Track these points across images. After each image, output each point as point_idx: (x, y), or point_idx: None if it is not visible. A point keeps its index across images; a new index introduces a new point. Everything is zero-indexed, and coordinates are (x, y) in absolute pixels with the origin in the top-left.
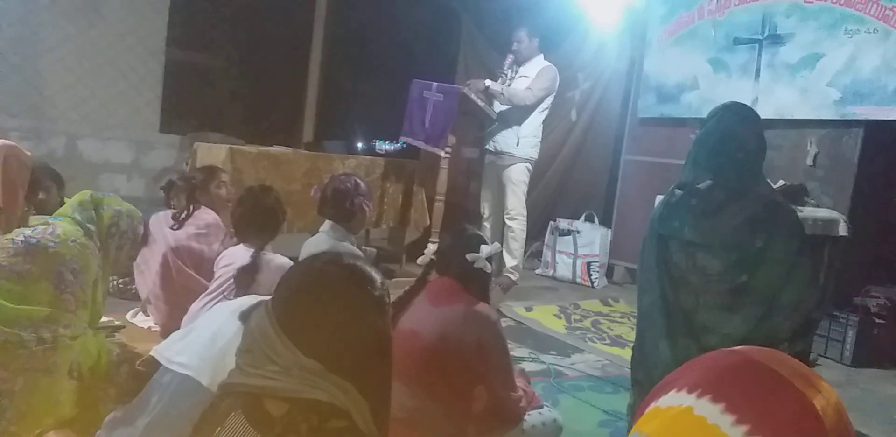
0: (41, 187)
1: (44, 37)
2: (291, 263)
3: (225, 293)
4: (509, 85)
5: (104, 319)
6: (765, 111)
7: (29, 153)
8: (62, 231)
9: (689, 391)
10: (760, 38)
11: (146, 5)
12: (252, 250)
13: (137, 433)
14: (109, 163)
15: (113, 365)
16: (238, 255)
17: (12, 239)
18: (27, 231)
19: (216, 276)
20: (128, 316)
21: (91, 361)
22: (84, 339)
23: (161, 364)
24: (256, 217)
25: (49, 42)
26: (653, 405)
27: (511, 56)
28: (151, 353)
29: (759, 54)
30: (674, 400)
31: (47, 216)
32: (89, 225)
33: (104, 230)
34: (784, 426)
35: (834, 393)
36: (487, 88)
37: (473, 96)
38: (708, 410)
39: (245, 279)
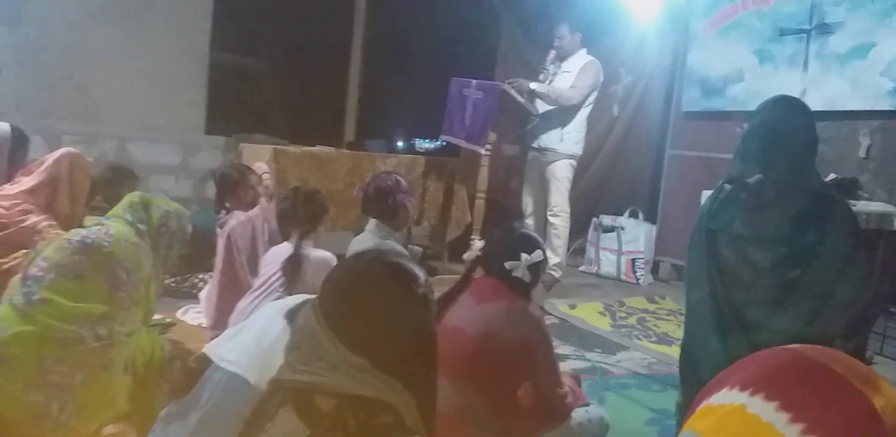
0: (125, 186)
1: (94, 43)
2: (332, 256)
3: (270, 289)
4: (551, 81)
5: (156, 316)
6: (814, 103)
7: (90, 159)
8: (115, 231)
9: (742, 389)
10: (808, 27)
11: (190, 10)
12: (293, 245)
13: (190, 428)
14: (158, 164)
15: (166, 361)
16: (281, 252)
17: (69, 239)
18: (83, 231)
19: (261, 274)
20: (178, 314)
21: (145, 357)
22: (138, 336)
23: (212, 361)
24: (297, 213)
25: (98, 48)
26: (704, 403)
27: (553, 52)
28: (204, 350)
29: (807, 45)
30: (726, 398)
31: (101, 217)
32: (140, 225)
33: (154, 230)
34: (841, 425)
35: (894, 392)
36: (533, 90)
37: (513, 93)
38: (762, 408)
39: (290, 271)
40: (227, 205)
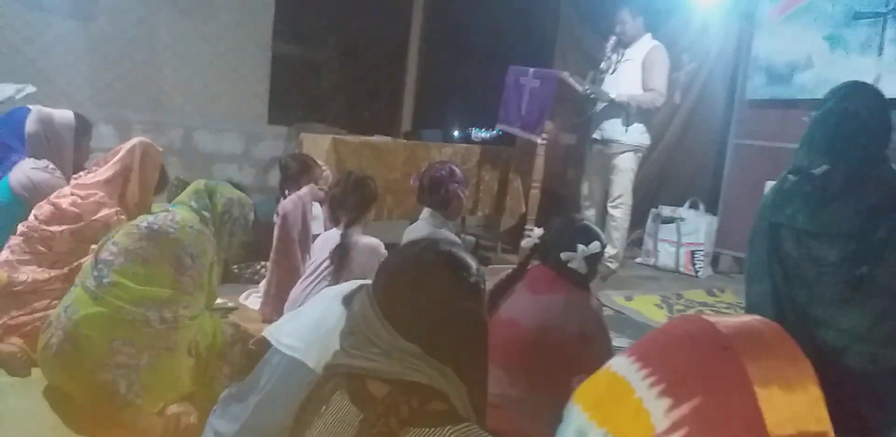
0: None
1: (161, 35)
2: (379, 243)
3: (321, 277)
4: (615, 70)
5: (219, 301)
6: (890, 90)
7: (160, 149)
8: (181, 218)
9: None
10: (885, 11)
11: (253, 2)
12: (340, 232)
13: (249, 409)
14: (222, 153)
15: (227, 345)
16: (330, 238)
17: (137, 225)
18: (150, 218)
19: (311, 260)
20: (240, 298)
21: (207, 340)
22: (201, 319)
23: (272, 345)
24: (347, 199)
25: (166, 40)
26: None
27: (613, 38)
28: (263, 333)
29: (884, 29)
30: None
31: (168, 204)
32: (204, 212)
33: (218, 217)
34: (687, 367)
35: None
36: (613, 99)
37: (571, 81)
38: (620, 365)
39: (338, 259)
40: (287, 192)
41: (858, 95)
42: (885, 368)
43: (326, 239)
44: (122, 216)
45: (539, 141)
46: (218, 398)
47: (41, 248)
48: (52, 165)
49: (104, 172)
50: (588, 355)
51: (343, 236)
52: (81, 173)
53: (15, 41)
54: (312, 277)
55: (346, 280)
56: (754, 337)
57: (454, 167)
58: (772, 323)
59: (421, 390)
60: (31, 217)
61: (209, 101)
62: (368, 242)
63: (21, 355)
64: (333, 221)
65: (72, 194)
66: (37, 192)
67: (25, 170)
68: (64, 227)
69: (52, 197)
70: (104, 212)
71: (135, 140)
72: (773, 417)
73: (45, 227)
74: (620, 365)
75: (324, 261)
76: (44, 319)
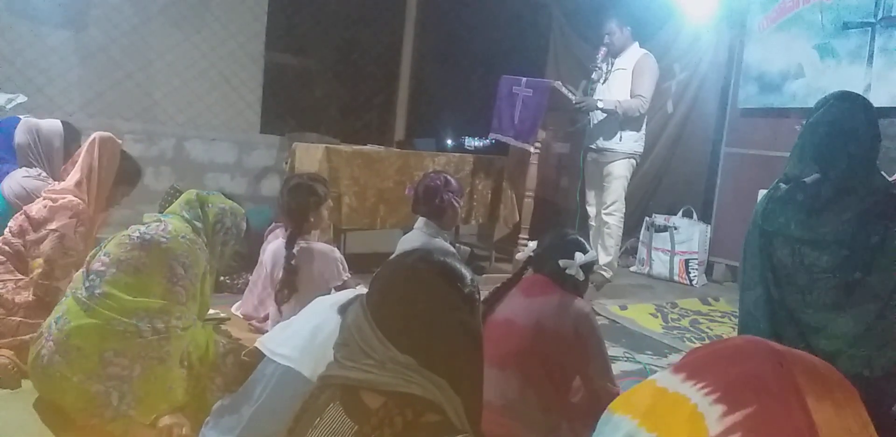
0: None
1: (153, 44)
2: (331, 248)
3: (275, 286)
4: (606, 80)
5: (211, 311)
6: (879, 99)
7: (119, 140)
8: (173, 228)
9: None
10: (874, 21)
11: (246, 11)
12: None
13: (243, 420)
14: (214, 163)
15: (220, 355)
16: (279, 248)
17: (129, 235)
18: (142, 228)
19: (264, 271)
20: (233, 309)
21: (200, 351)
22: (194, 330)
23: (265, 355)
24: (287, 205)
25: (157, 49)
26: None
27: (603, 49)
28: (256, 344)
29: (873, 38)
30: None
31: (160, 214)
32: (196, 222)
33: (210, 227)
34: (743, 381)
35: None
36: (601, 107)
37: (564, 90)
38: (669, 380)
39: (287, 272)
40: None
41: (847, 104)
42: (879, 371)
43: (275, 251)
44: (81, 228)
45: (532, 150)
46: (210, 409)
47: (15, 261)
48: (44, 174)
49: (72, 175)
50: (582, 357)
51: (287, 255)
52: (56, 183)
53: (6, 51)
54: (265, 288)
55: (304, 289)
56: (807, 359)
57: (449, 177)
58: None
59: (415, 401)
60: (7, 230)
61: (201, 110)
62: (319, 248)
63: (11, 366)
64: (285, 227)
65: (44, 199)
66: (30, 200)
67: (18, 179)
68: (29, 238)
69: (26, 206)
70: (50, 226)
71: (93, 136)
72: (826, 429)
73: (14, 239)
74: (669, 382)
75: (275, 273)
76: (35, 329)
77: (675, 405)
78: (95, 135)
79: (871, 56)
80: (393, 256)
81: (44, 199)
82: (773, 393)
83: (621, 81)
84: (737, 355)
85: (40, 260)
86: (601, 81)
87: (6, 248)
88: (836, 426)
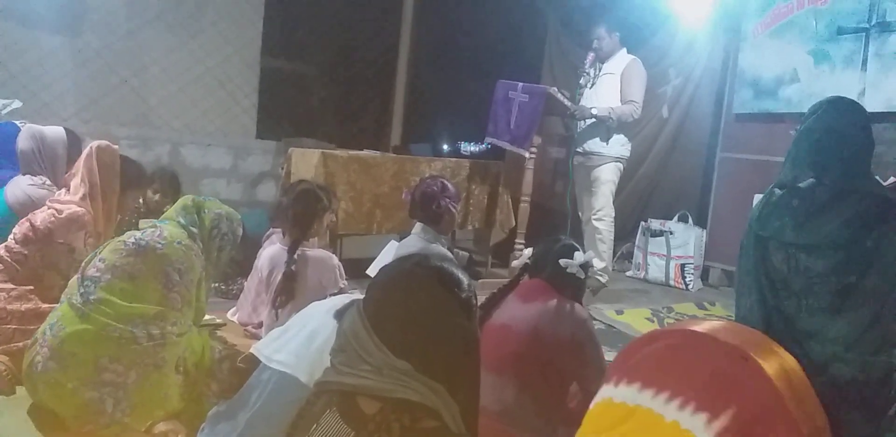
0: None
1: (149, 50)
2: (330, 254)
3: (272, 293)
4: (594, 84)
5: (207, 317)
6: (873, 104)
7: (115, 146)
8: (168, 234)
9: (608, 382)
10: (867, 26)
11: (241, 16)
12: (286, 249)
13: (239, 427)
14: (210, 168)
15: (216, 361)
16: (277, 254)
17: (124, 241)
18: (137, 234)
19: (259, 276)
20: (228, 314)
21: (196, 357)
22: (189, 336)
23: (260, 362)
24: (288, 211)
25: (153, 55)
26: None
27: (591, 54)
28: (251, 350)
29: (866, 44)
30: (599, 395)
31: (155, 220)
32: (192, 228)
33: (206, 233)
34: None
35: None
36: (595, 115)
37: (560, 96)
38: (626, 395)
39: (287, 280)
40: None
41: (840, 109)
42: (874, 375)
43: (273, 256)
44: (91, 239)
45: (528, 155)
46: (206, 415)
47: (16, 266)
48: (48, 182)
49: (77, 189)
50: (579, 362)
51: (287, 260)
52: (62, 191)
53: (1, 56)
54: (259, 295)
55: (301, 296)
56: (759, 343)
57: (446, 182)
58: (742, 326)
59: (412, 407)
60: (11, 236)
61: (197, 116)
62: (319, 255)
63: (6, 373)
64: (283, 233)
65: (49, 208)
66: (35, 207)
67: (23, 186)
68: (33, 248)
69: (31, 213)
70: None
71: (90, 146)
72: (799, 414)
73: (17, 248)
74: (625, 395)
75: (271, 278)
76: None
77: (653, 426)
78: (92, 145)
79: (865, 61)
80: (377, 260)
81: (48, 208)
82: (747, 390)
83: (609, 86)
84: (691, 354)
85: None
86: (588, 85)
87: (6, 256)
88: (806, 408)
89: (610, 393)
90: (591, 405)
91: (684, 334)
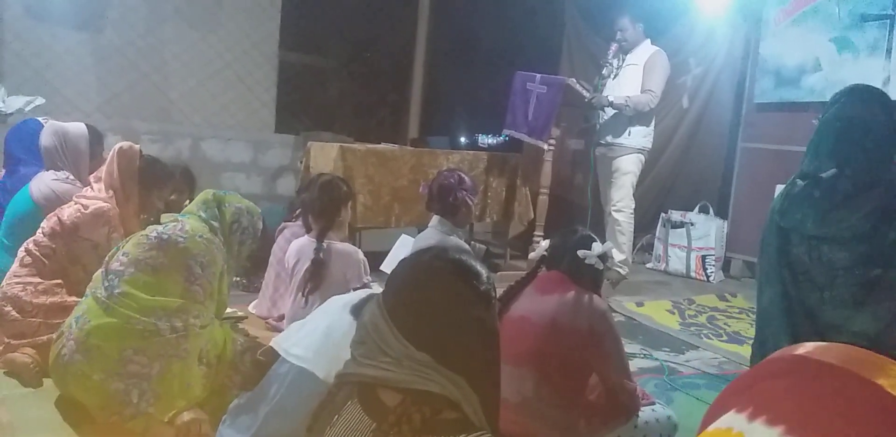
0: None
1: (169, 45)
2: (355, 249)
3: (298, 285)
4: (616, 75)
5: (228, 310)
6: None
7: (136, 146)
8: (190, 227)
9: (740, 411)
10: (893, 12)
11: (259, 11)
12: (314, 241)
13: (259, 420)
14: (230, 162)
15: (237, 353)
16: (304, 246)
17: (147, 235)
18: (159, 228)
19: (285, 267)
20: (250, 307)
21: (218, 349)
22: (211, 328)
23: (279, 355)
24: (314, 203)
25: (174, 50)
26: (712, 427)
27: (615, 45)
28: (271, 343)
29: (891, 30)
30: (727, 422)
31: (177, 214)
32: (213, 222)
33: (227, 227)
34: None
35: None
36: (611, 103)
37: (578, 87)
38: (764, 434)
39: (315, 271)
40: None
41: (864, 98)
42: None
43: (300, 247)
44: (115, 234)
45: (546, 147)
46: (228, 406)
47: (43, 260)
48: (71, 176)
49: (101, 188)
50: (599, 354)
51: (317, 248)
52: (88, 188)
53: (24, 54)
54: (287, 286)
55: (325, 289)
56: (887, 366)
57: (463, 175)
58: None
59: (433, 399)
60: (39, 230)
61: (217, 110)
62: (343, 248)
63: (33, 365)
64: (306, 226)
65: (75, 203)
66: (60, 202)
67: (47, 181)
68: (59, 242)
69: (59, 208)
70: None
71: (114, 148)
72: None
73: (45, 241)
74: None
75: (296, 269)
76: (55, 330)
77: None
78: (115, 146)
79: (889, 49)
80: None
81: (75, 203)
82: (882, 424)
83: (632, 77)
84: (819, 389)
85: None
86: (612, 76)
87: (35, 250)
88: None
89: (732, 424)
90: (718, 428)
91: (806, 364)
